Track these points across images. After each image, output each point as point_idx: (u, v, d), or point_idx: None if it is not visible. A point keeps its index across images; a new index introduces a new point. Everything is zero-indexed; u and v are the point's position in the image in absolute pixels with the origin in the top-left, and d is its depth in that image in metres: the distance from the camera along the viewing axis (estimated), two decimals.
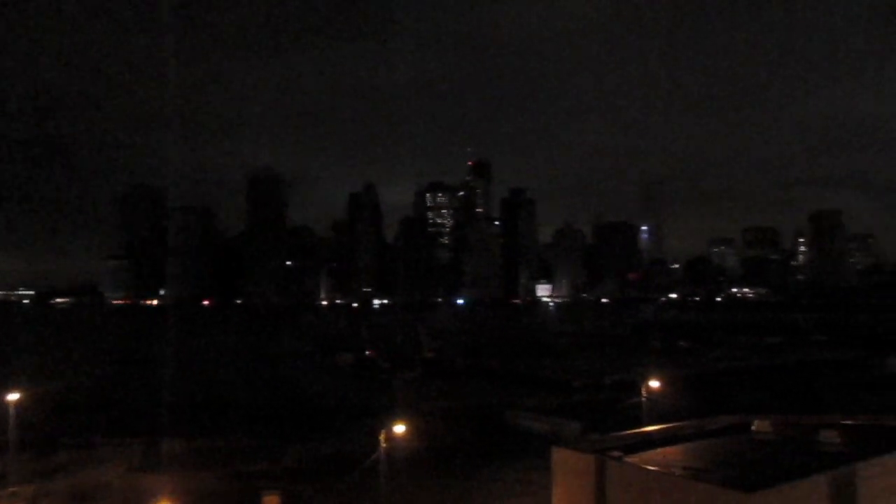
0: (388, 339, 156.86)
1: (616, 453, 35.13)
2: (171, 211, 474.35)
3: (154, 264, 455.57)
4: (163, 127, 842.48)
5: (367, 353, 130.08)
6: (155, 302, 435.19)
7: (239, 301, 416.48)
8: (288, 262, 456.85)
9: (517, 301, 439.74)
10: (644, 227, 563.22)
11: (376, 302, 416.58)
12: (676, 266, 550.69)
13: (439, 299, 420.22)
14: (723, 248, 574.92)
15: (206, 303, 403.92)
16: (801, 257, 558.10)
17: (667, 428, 42.17)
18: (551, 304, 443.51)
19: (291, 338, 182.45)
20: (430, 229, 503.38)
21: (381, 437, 38.91)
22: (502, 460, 52.99)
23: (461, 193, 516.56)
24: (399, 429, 40.82)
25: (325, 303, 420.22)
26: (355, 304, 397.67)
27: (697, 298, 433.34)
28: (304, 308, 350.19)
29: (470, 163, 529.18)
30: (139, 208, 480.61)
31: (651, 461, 34.88)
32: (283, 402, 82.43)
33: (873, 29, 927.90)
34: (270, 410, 76.90)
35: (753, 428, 41.07)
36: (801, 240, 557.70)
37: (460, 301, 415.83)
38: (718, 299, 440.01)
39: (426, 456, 53.53)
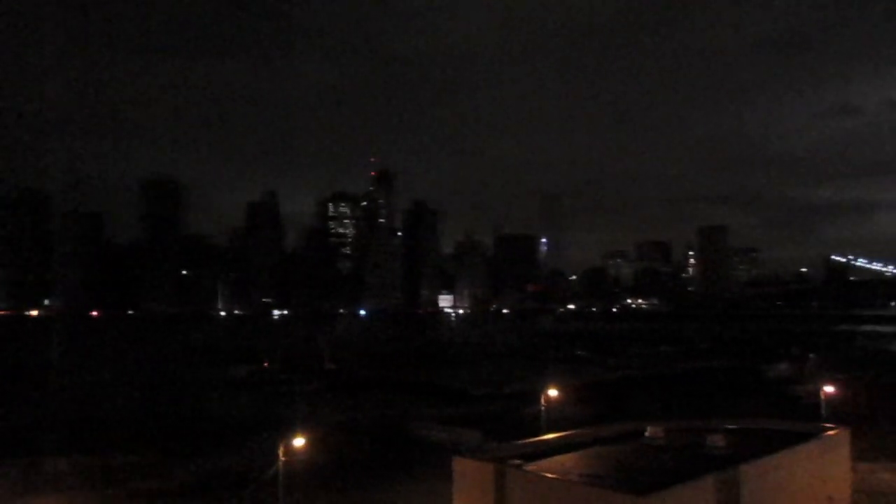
0: (287, 350, 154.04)
1: (516, 461, 35.55)
2: (58, 217, 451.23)
3: (38, 273, 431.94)
4: (50, 129, 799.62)
5: (264, 364, 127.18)
6: (36, 312, 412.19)
7: (131, 312, 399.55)
8: (183, 272, 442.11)
9: (419, 312, 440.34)
10: (543, 240, 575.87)
11: (276, 312, 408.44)
12: (574, 278, 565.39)
13: (341, 310, 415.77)
14: (618, 260, 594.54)
15: (94, 313, 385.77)
16: (690, 270, 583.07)
17: (565, 436, 43.06)
18: (453, 314, 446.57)
19: (185, 349, 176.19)
20: (331, 239, 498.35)
21: (280, 450, 38.02)
22: (403, 471, 52.76)
23: (364, 204, 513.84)
24: (298, 442, 39.91)
25: (222, 313, 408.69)
26: (253, 315, 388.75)
27: (594, 309, 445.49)
28: (199, 319, 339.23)
29: (373, 173, 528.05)
30: (22, 214, 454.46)
31: (550, 468, 35.49)
32: (175, 417, 79.34)
33: (759, 56, 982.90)
34: (162, 425, 73.89)
35: (646, 434, 42.45)
36: (691, 253, 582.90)
37: (362, 312, 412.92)
38: (614, 310, 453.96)
39: (326, 469, 52.68)
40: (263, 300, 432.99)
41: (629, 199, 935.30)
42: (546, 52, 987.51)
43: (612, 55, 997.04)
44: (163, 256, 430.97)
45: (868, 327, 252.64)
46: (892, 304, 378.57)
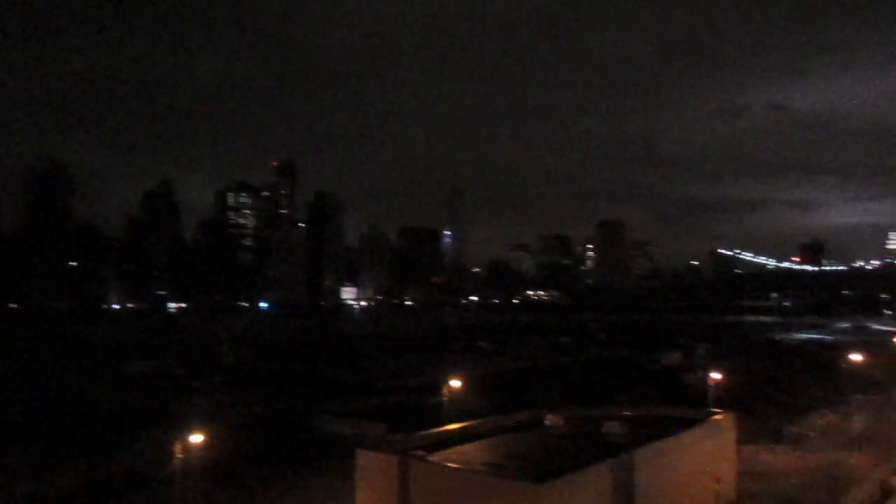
0: (185, 344, 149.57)
1: (419, 453, 35.83)
2: None
3: None
4: None
5: (161, 359, 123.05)
6: None
7: (14, 305, 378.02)
8: (73, 263, 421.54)
9: (322, 304, 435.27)
10: (448, 233, 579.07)
11: (172, 306, 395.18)
12: (477, 270, 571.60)
13: (241, 303, 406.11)
14: (520, 253, 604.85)
15: None
16: (589, 263, 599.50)
17: (467, 426, 43.67)
18: (356, 307, 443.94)
19: (75, 345, 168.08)
20: (231, 230, 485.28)
21: (176, 448, 36.95)
22: (306, 466, 52.20)
23: (265, 194, 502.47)
24: (196, 439, 38.85)
25: (115, 307, 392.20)
26: (149, 309, 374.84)
27: (497, 301, 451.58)
28: (90, 313, 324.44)
29: (275, 163, 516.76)
30: None
31: (452, 458, 35.94)
32: (62, 416, 75.49)
33: (655, 59, 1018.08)
34: (47, 425, 70.17)
35: (546, 422, 43.61)
36: (590, 247, 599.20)
37: (263, 305, 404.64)
38: (516, 302, 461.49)
39: (226, 466, 51.48)
40: (159, 293, 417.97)
41: (531, 194, 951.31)
42: (453, 48, 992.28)
43: (518, 53, 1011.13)
44: (49, 247, 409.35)
45: (752, 317, 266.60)
46: (774, 295, 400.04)
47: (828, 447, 54.21)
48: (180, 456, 36.59)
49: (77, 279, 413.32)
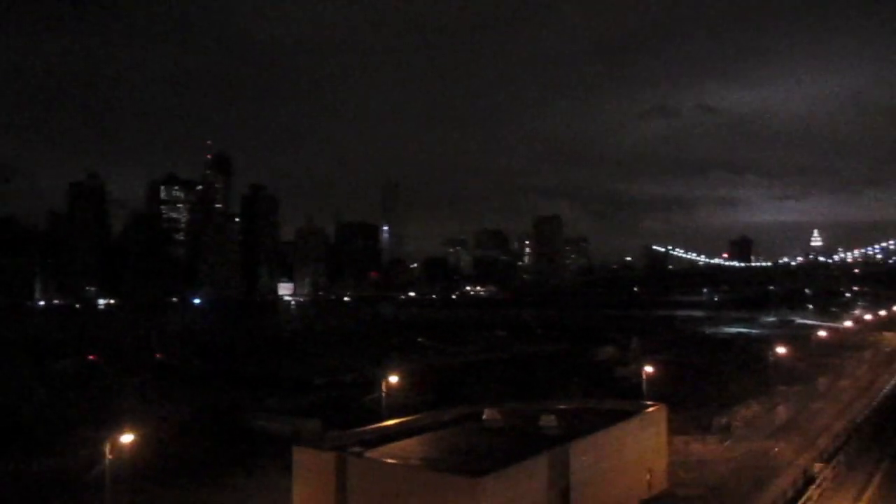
0: (114, 341, 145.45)
1: (356, 449, 35.61)
2: None
3: None
4: None
5: (89, 357, 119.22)
6: None
7: None
8: None
9: (257, 300, 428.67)
10: (385, 228, 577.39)
11: (101, 302, 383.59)
12: (415, 266, 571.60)
13: (173, 299, 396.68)
14: (458, 248, 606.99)
15: None
16: (526, 258, 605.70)
17: (405, 421, 43.60)
18: (292, 302, 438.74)
19: None
20: (163, 224, 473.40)
21: (105, 448, 35.82)
22: (241, 465, 51.27)
23: (199, 188, 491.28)
24: (126, 438, 37.75)
25: (40, 303, 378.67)
26: (77, 305, 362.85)
27: (434, 296, 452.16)
28: (13, 309, 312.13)
29: (209, 156, 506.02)
30: None
31: (390, 454, 35.82)
32: None
33: (588, 59, 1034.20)
34: None
35: (484, 417, 43.82)
36: (527, 242, 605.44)
37: (196, 301, 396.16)
38: (453, 297, 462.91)
39: (158, 466, 50.16)
40: (87, 288, 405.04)
41: (469, 190, 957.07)
42: (391, 44, 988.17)
43: (455, 51, 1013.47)
44: None
45: (684, 312, 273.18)
46: (705, 290, 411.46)
47: (754, 437, 55.97)
48: (109, 456, 35.49)
49: None
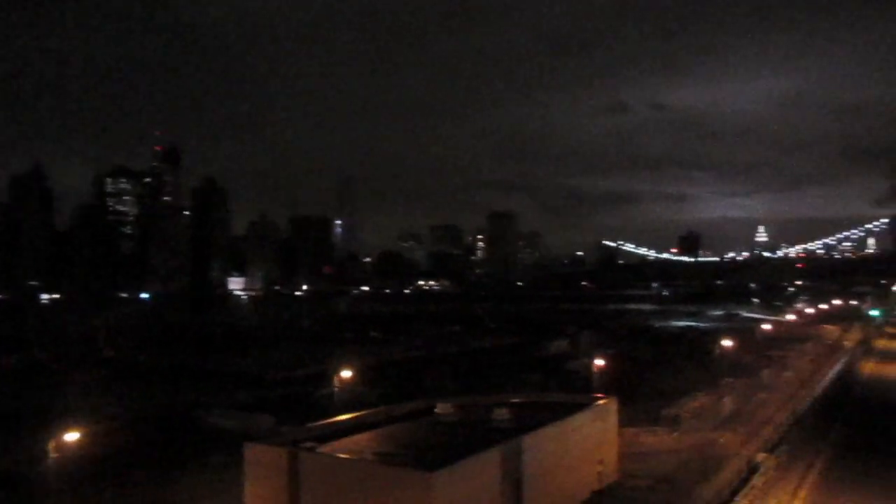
0: (60, 337, 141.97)
1: (309, 444, 35.43)
2: None
3: None
4: None
5: (33, 353, 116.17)
6: None
7: None
8: None
9: (208, 295, 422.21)
10: (338, 222, 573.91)
11: (45, 296, 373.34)
12: (369, 260, 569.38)
13: (121, 294, 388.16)
14: (411, 243, 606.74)
15: None
16: (479, 253, 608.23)
17: (358, 416, 43.51)
18: (244, 297, 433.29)
19: None
20: (110, 217, 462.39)
21: (50, 447, 35.04)
22: (190, 461, 50.60)
23: (147, 180, 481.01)
24: (72, 437, 36.96)
25: None
26: (18, 299, 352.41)
27: (388, 291, 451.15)
28: None
29: (158, 148, 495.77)
30: None
31: (343, 449, 35.74)
32: None
33: (543, 56, 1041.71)
34: None
35: (437, 411, 43.95)
36: (480, 237, 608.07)
37: (145, 295, 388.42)
38: (407, 291, 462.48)
39: (106, 464, 49.27)
40: (31, 283, 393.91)
41: (423, 185, 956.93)
42: (345, 35, 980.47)
43: (411, 45, 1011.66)
44: None
45: (634, 306, 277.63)
46: (654, 285, 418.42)
47: (701, 428, 57.22)
48: (55, 455, 34.73)
49: None
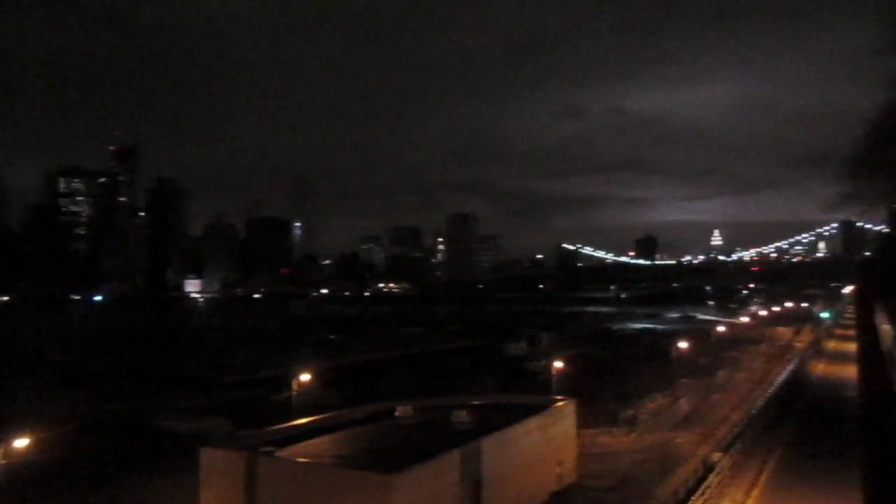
0: (9, 340, 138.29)
1: (267, 449, 34.97)
2: None
3: None
4: None
5: None
6: None
7: None
8: None
9: (163, 297, 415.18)
10: (297, 224, 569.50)
11: None
12: (328, 262, 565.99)
13: (73, 296, 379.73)
14: (371, 245, 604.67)
15: None
16: (439, 255, 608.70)
17: (317, 420, 43.09)
18: (201, 299, 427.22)
19: None
20: (62, 218, 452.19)
21: None
22: (146, 467, 49.60)
23: (102, 180, 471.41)
24: (21, 443, 35.86)
25: None
26: None
27: (348, 293, 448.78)
28: None
29: (113, 147, 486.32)
30: None
31: (302, 453, 35.36)
32: None
33: (506, 57, 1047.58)
34: None
35: (397, 414, 43.77)
36: (440, 239, 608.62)
37: (99, 297, 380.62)
38: (367, 294, 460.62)
39: (57, 471, 48.02)
40: None
41: (382, 186, 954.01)
42: (304, 37, 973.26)
43: (370, 47, 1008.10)
44: None
45: (592, 308, 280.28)
46: (612, 287, 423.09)
47: (658, 428, 57.92)
48: (3, 462, 33.69)
49: None
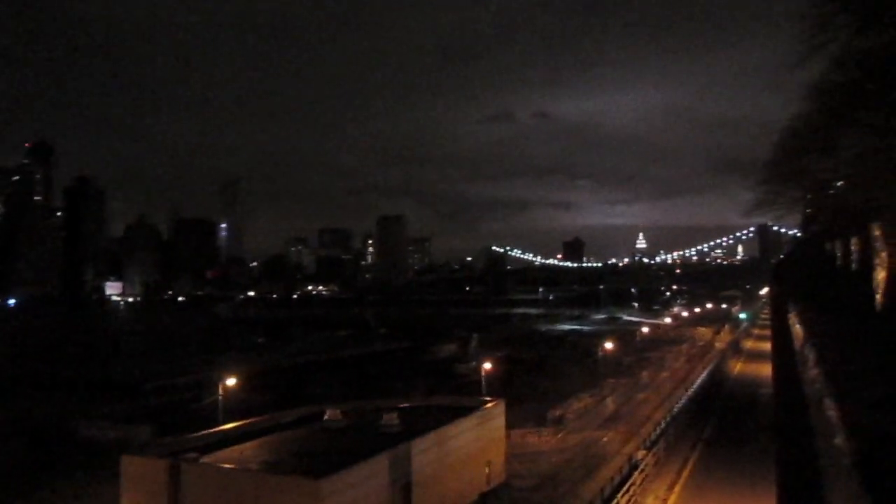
0: None
1: (190, 455, 34.13)
2: None
3: None
4: None
5: None
6: None
7: None
8: None
9: (81, 299, 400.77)
10: (223, 225, 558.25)
11: None
12: (255, 264, 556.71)
13: None
14: (300, 247, 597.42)
15: None
16: (369, 257, 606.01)
17: (243, 424, 42.29)
18: (122, 302, 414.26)
19: None
20: None
21: None
22: (63, 476, 47.77)
23: (16, 178, 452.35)
24: None
25: None
26: None
27: (275, 296, 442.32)
28: None
29: (27, 144, 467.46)
30: None
31: (228, 459, 34.65)
32: None
33: (431, 62, 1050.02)
34: None
35: (325, 417, 43.35)
36: (370, 241, 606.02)
37: (11, 301, 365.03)
38: (295, 296, 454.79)
39: None
40: None
41: (311, 188, 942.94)
42: (230, 37, 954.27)
43: (297, 47, 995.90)
44: None
45: (521, 310, 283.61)
46: (541, 289, 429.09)
47: (585, 428, 58.99)
48: None
49: None
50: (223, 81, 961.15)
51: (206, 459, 34.11)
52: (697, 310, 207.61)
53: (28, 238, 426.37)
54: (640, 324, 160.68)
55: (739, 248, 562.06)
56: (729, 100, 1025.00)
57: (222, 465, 33.68)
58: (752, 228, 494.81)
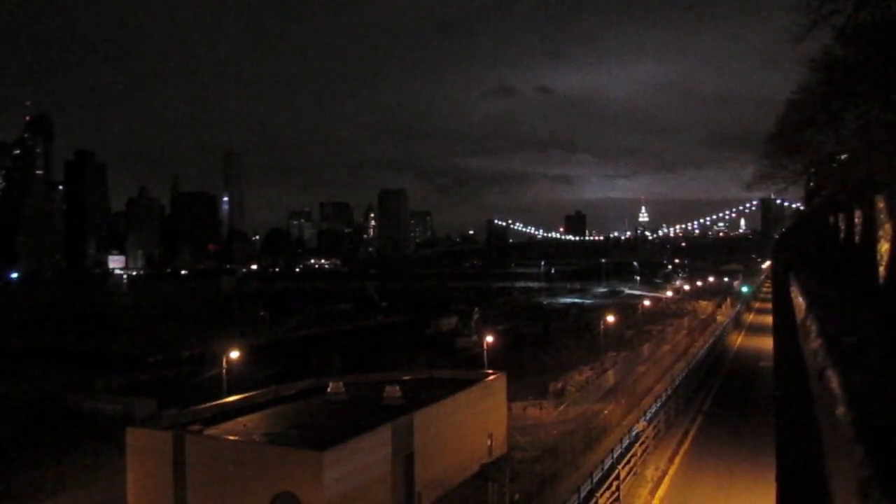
0: None
1: (196, 427, 34.43)
2: None
3: None
4: None
5: None
6: None
7: None
8: None
9: (84, 273, 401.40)
10: (225, 199, 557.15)
11: None
12: (257, 238, 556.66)
13: None
14: (301, 220, 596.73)
15: None
16: (370, 231, 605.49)
17: (247, 397, 42.63)
18: (124, 276, 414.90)
19: None
20: None
21: None
22: (69, 448, 48.14)
23: (16, 152, 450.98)
24: None
25: None
26: None
27: (277, 269, 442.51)
28: None
29: (28, 118, 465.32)
30: None
31: (232, 431, 34.97)
32: None
33: (432, 37, 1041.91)
34: None
35: (328, 390, 43.63)
36: (371, 215, 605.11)
37: (14, 275, 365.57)
38: (297, 270, 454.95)
39: None
40: None
41: (313, 162, 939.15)
42: (231, 12, 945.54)
43: (298, 20, 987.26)
44: None
45: (522, 283, 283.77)
46: (542, 263, 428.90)
47: (586, 400, 59.34)
48: None
49: None
50: (224, 56, 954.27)
51: (210, 431, 34.41)
52: (699, 283, 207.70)
53: (30, 212, 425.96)
54: (641, 297, 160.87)
55: (742, 222, 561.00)
56: (728, 75, 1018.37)
57: (226, 436, 33.98)
58: (754, 202, 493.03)
